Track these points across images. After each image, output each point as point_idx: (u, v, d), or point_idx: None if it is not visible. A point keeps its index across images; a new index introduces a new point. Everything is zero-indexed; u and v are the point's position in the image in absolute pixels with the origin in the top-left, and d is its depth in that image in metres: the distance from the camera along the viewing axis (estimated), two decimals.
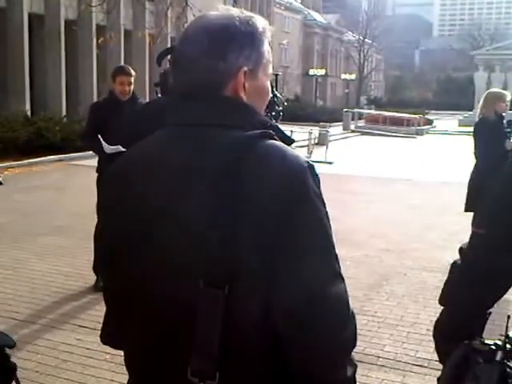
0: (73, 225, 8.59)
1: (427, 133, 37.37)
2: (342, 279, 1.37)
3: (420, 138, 33.56)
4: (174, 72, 1.51)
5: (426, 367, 4.53)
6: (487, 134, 6.90)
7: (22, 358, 4.19)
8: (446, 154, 22.09)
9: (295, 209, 1.30)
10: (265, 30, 1.50)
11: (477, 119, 7.14)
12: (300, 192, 1.31)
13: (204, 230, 1.29)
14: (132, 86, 6.08)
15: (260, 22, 1.50)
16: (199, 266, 1.29)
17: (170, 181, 1.37)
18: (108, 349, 4.41)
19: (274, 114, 3.11)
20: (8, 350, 1.91)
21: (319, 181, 1.37)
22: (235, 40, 1.43)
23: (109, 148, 5.53)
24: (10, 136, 15.90)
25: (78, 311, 5.47)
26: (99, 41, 18.66)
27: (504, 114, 6.83)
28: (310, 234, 1.32)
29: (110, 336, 1.66)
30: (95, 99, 22.25)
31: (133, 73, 6.16)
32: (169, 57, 1.93)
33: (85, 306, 5.57)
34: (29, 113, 22.33)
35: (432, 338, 5.00)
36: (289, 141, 1.47)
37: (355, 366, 1.44)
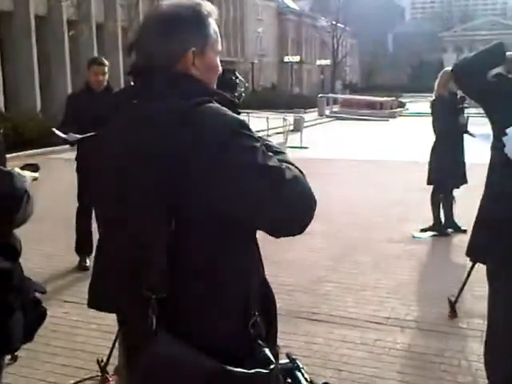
0: (52, 213, 8.85)
1: (400, 115, 37.91)
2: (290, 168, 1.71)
3: (393, 120, 34.06)
4: (136, 58, 1.83)
5: (383, 324, 4.96)
6: (443, 111, 7.35)
7: None
8: (416, 135, 22.52)
9: (229, 151, 1.62)
10: (210, 14, 1.81)
11: (433, 97, 7.58)
12: (230, 140, 1.63)
13: (155, 180, 1.64)
14: (106, 76, 6.39)
15: (205, 7, 1.80)
16: (151, 207, 1.65)
17: (129, 144, 1.72)
18: (94, 319, 4.82)
19: (236, 95, 3.54)
20: (39, 296, 2.24)
21: (242, 133, 1.68)
22: (182, 26, 1.74)
23: (72, 136, 5.93)
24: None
25: (63, 288, 5.83)
26: (70, 33, 18.81)
27: (458, 92, 7.26)
28: (244, 166, 1.63)
29: (94, 299, 2.03)
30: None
31: (106, 63, 6.47)
32: None
33: (69, 284, 5.94)
34: (3, 109, 22.44)
35: (390, 300, 5.49)
36: (233, 105, 1.81)
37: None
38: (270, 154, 1.69)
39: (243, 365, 1.66)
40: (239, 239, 1.75)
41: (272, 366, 1.72)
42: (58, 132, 5.90)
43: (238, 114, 1.81)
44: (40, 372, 4.18)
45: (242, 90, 3.49)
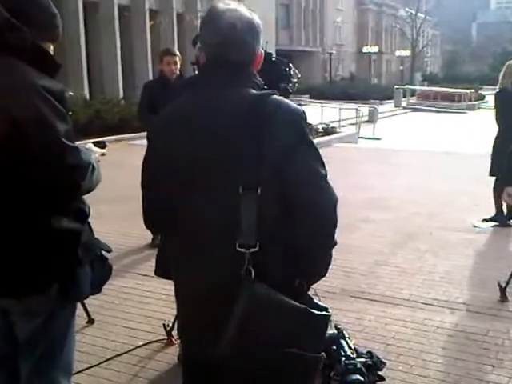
0: (130, 195, 9.17)
1: (479, 108, 37.19)
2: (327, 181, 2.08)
3: (471, 112, 33.54)
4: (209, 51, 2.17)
5: (434, 305, 5.20)
6: (506, 103, 7.47)
7: (90, 298, 5.03)
8: (491, 128, 22.27)
9: (296, 140, 2.02)
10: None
11: (497, 89, 7.69)
12: (297, 130, 2.05)
13: (242, 152, 2.00)
14: (178, 66, 6.85)
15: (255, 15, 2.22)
16: (239, 177, 2.00)
17: (217, 119, 2.07)
18: (163, 290, 5.23)
19: (290, 85, 3.85)
20: (105, 254, 2.61)
21: (306, 120, 2.10)
22: (256, 31, 2.16)
23: None
24: (70, 119, 16.85)
25: (137, 263, 6.34)
26: (150, 24, 19.36)
27: None
28: (306, 155, 2.04)
29: (161, 267, 2.39)
30: None
31: (177, 53, 6.96)
32: None
33: (142, 259, 6.43)
34: (87, 96, 23.43)
35: (443, 283, 5.71)
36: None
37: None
38: None
39: None
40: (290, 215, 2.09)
41: (330, 310, 2.13)
42: None
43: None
44: (114, 334, 4.64)
45: (295, 80, 3.82)
